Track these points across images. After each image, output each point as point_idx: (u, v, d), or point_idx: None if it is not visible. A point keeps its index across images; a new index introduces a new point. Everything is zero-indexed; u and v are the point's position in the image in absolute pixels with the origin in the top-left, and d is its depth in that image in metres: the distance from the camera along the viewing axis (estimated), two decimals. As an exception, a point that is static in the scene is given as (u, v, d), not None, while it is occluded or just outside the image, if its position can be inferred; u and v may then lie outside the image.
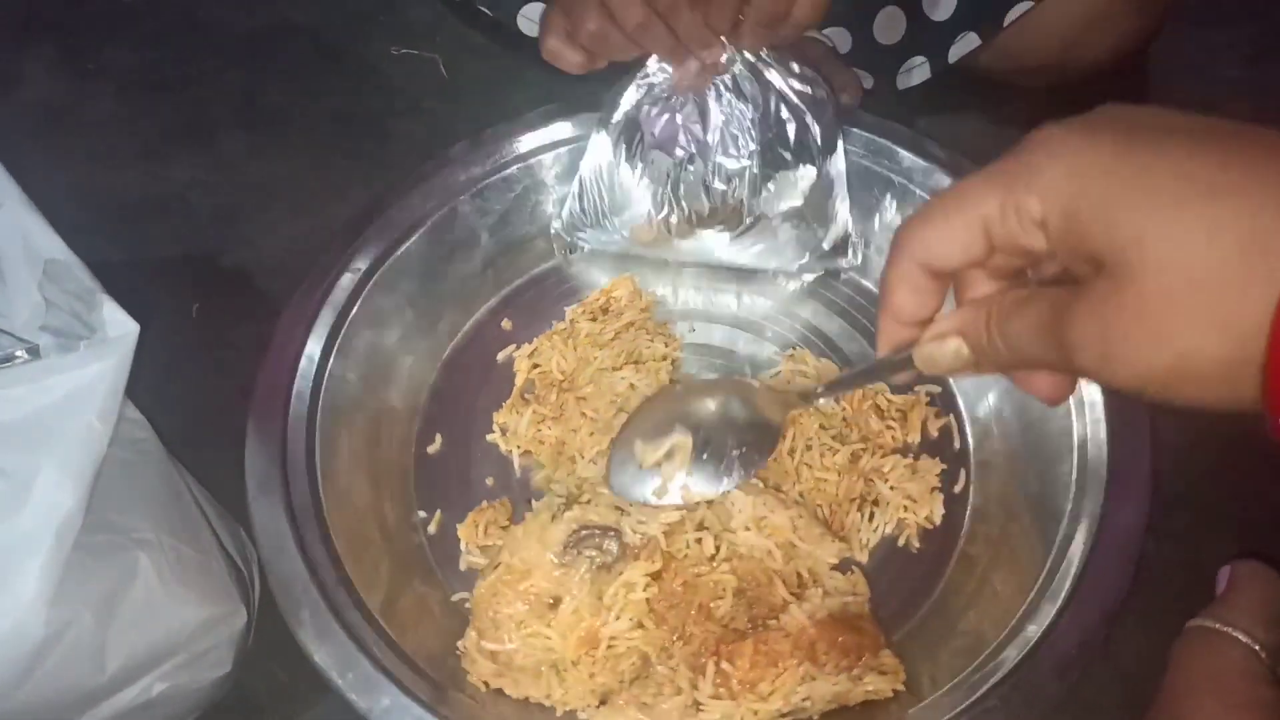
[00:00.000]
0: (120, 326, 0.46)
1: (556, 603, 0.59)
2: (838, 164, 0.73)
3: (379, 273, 0.73)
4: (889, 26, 0.83)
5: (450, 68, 0.98)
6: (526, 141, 0.78)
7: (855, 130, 0.75)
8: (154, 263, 0.86)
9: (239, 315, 0.81)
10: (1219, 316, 0.30)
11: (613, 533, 0.60)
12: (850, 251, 0.76)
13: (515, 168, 0.78)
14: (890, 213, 0.76)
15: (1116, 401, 0.63)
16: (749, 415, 0.60)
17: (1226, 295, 0.30)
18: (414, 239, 0.74)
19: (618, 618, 0.58)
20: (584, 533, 0.60)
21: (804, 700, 0.56)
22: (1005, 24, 0.78)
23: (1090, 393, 0.64)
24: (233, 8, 1.03)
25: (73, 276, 0.49)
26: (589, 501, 0.63)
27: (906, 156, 0.75)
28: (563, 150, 0.78)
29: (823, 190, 0.74)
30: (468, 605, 0.63)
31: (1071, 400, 0.64)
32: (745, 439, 0.60)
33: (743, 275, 0.78)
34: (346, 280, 0.71)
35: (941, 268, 0.39)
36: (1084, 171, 0.33)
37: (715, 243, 0.77)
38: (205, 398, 0.76)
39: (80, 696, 0.47)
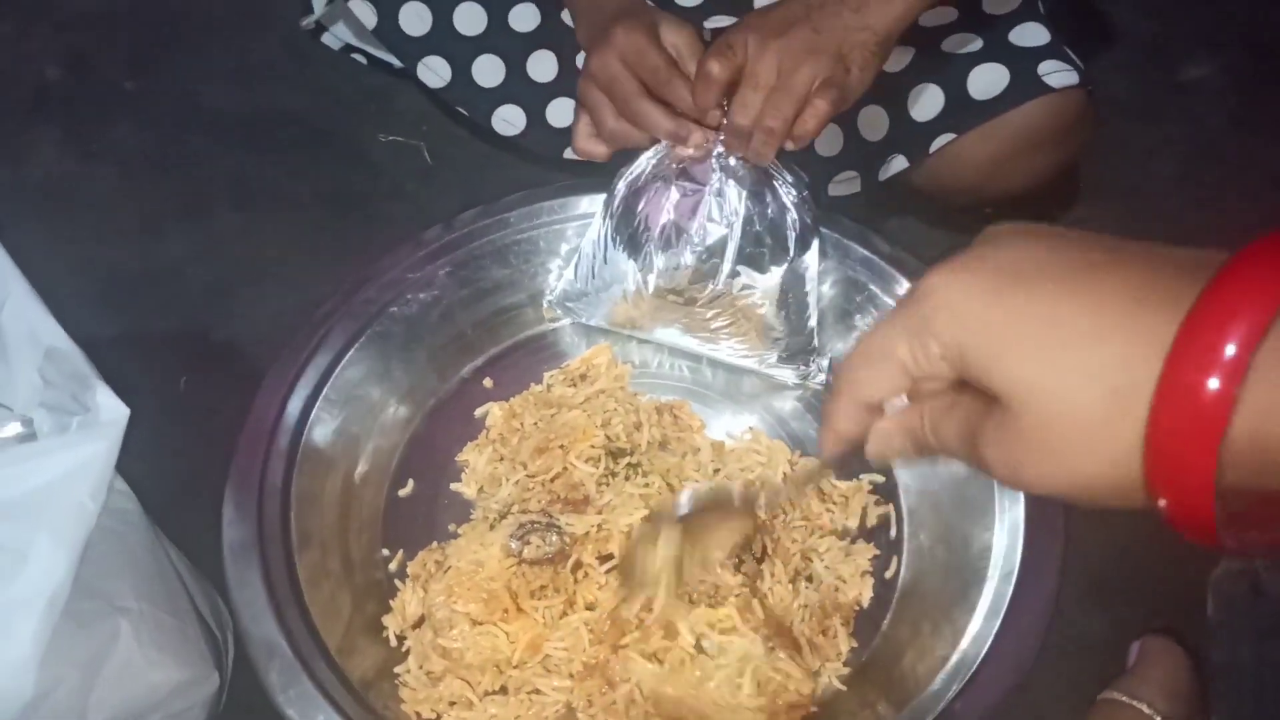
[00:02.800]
0: (112, 411, 0.51)
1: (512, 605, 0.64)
2: (811, 263, 0.77)
3: (359, 342, 0.78)
4: (829, 142, 0.88)
5: (433, 154, 1.04)
6: (515, 219, 0.84)
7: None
8: (146, 336, 0.91)
9: (226, 387, 0.85)
10: (1098, 449, 0.33)
11: (554, 526, 0.65)
12: (811, 365, 0.80)
13: (495, 245, 0.83)
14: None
15: (1034, 508, 0.68)
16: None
17: (1103, 432, 0.33)
18: (395, 308, 0.79)
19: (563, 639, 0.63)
20: (525, 527, 0.65)
21: (719, 643, 0.61)
22: (930, 151, 0.84)
23: (1011, 502, 0.69)
24: (231, 93, 1.09)
25: (70, 362, 0.53)
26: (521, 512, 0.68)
27: (854, 248, 0.81)
28: (542, 229, 0.84)
29: (793, 286, 0.77)
30: (408, 645, 0.67)
31: (995, 504, 0.69)
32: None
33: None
34: (325, 352, 0.76)
35: (875, 403, 0.44)
36: (964, 320, 0.36)
37: (686, 332, 0.81)
38: (191, 467, 0.80)
39: (60, 753, 0.51)
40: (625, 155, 0.76)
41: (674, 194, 0.75)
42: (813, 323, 0.78)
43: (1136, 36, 1.08)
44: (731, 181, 0.74)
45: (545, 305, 0.85)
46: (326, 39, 1.08)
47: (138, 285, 0.96)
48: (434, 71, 0.96)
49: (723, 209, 0.74)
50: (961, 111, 0.82)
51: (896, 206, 0.94)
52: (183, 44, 1.14)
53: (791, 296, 0.77)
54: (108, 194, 1.03)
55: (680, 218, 0.75)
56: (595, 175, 0.87)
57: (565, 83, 0.95)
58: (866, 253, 0.81)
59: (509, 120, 0.96)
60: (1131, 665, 0.63)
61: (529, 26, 0.95)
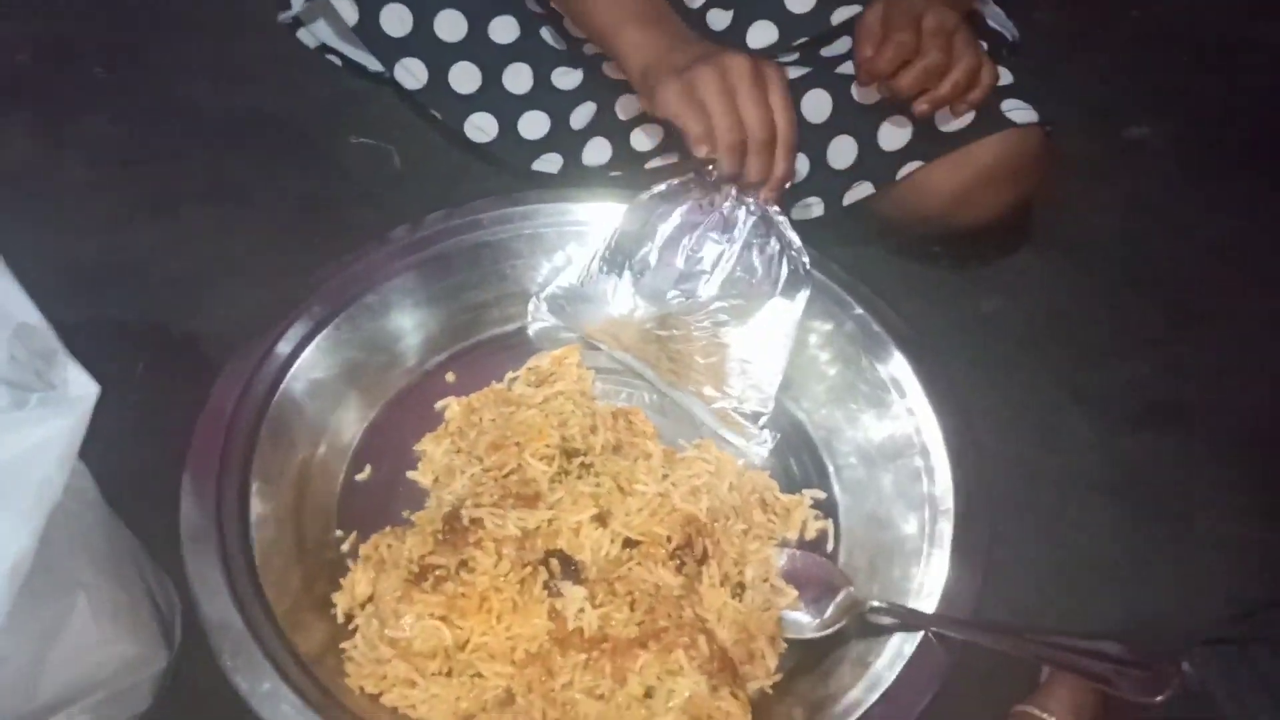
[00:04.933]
0: (82, 387, 0.52)
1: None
2: (793, 314, 0.79)
3: (323, 331, 0.80)
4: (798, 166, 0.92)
5: (404, 159, 1.06)
6: (486, 221, 0.87)
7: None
8: (107, 324, 0.91)
9: (186, 376, 0.86)
10: None
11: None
12: (760, 429, 0.82)
13: (464, 245, 0.86)
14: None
15: (960, 541, 0.72)
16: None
17: None
18: (360, 302, 0.82)
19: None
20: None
21: (667, 688, 0.64)
22: (897, 178, 0.88)
23: (941, 528, 0.73)
24: (205, 91, 1.10)
25: (40, 339, 0.55)
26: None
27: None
28: (512, 233, 0.87)
29: (770, 331, 0.80)
30: (356, 623, 0.69)
31: (926, 520, 0.74)
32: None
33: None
34: (288, 340, 0.78)
35: None
36: None
37: (652, 367, 0.85)
38: (146, 451, 0.80)
39: (8, 721, 0.52)
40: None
41: (683, 218, 0.80)
42: (775, 382, 0.80)
43: (1087, 98, 1.14)
44: (742, 209, 0.78)
45: (531, 302, 0.87)
46: (303, 35, 1.10)
47: (102, 276, 0.96)
48: (410, 73, 0.98)
49: (725, 230, 0.78)
50: (929, 142, 0.87)
51: (856, 236, 0.97)
52: (158, 38, 1.15)
53: (766, 340, 0.80)
54: (77, 184, 1.03)
55: (684, 235, 0.79)
56: (564, 188, 0.91)
57: (539, 97, 0.98)
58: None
59: (481, 128, 0.99)
60: (1042, 683, 0.67)
61: (508, 39, 0.98)
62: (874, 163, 0.89)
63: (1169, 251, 1.04)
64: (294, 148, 1.07)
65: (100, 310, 0.93)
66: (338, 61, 1.10)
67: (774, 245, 0.79)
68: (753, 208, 0.78)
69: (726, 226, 0.79)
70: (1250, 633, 0.55)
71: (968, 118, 0.85)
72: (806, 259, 0.79)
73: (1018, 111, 0.86)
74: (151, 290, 0.95)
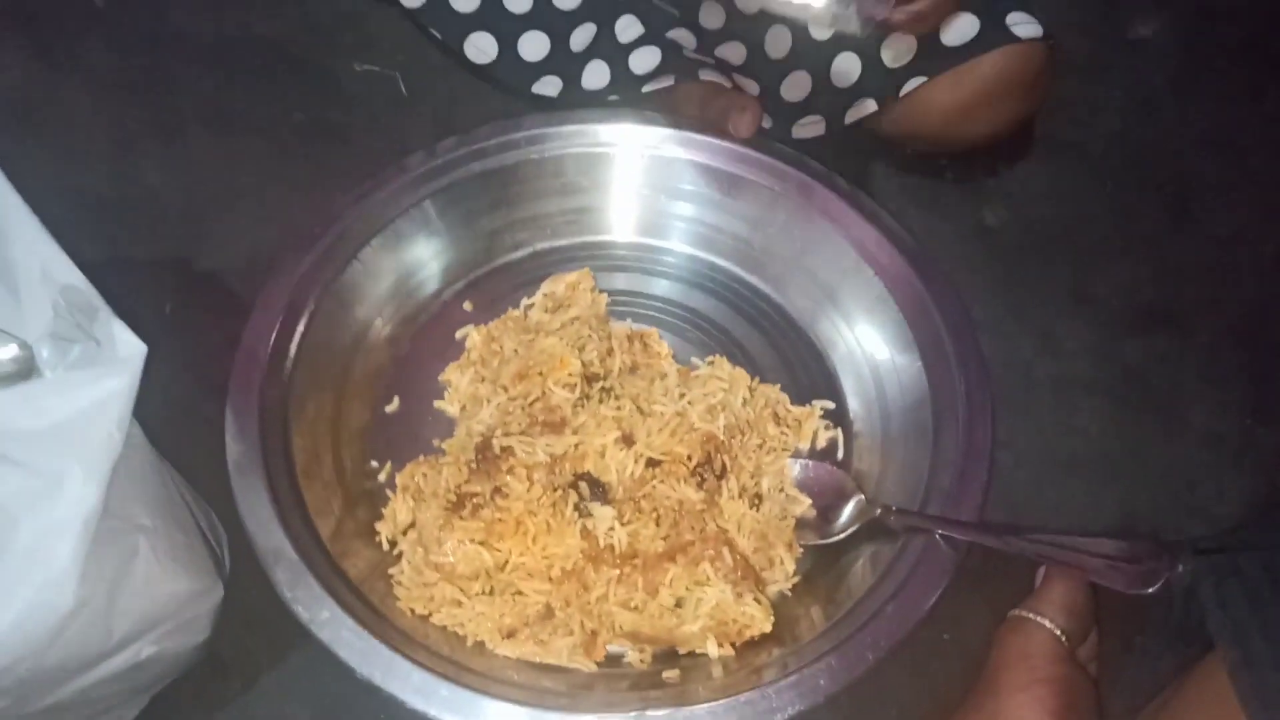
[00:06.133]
0: (129, 346, 0.54)
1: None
2: None
3: (347, 266, 0.82)
4: (796, 87, 0.92)
5: (409, 85, 1.05)
6: (491, 149, 0.88)
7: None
8: (127, 262, 0.93)
9: (211, 313, 0.89)
10: None
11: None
12: None
13: (474, 172, 0.87)
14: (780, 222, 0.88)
15: (966, 436, 0.75)
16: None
17: None
18: (380, 235, 0.84)
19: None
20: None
21: (695, 597, 0.69)
22: (900, 94, 0.88)
23: (945, 433, 0.76)
24: (202, 16, 1.09)
25: (85, 300, 0.57)
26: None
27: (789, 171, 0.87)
28: (520, 158, 0.88)
29: None
30: (399, 550, 0.73)
31: (930, 426, 0.77)
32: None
33: (685, 281, 0.91)
34: (312, 276, 0.80)
35: None
36: None
37: None
38: (182, 389, 0.82)
39: (90, 658, 0.56)
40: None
41: None
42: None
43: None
44: None
45: None
46: None
47: (114, 210, 0.97)
48: None
49: None
50: (932, 56, 0.87)
51: (858, 152, 0.98)
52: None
53: None
54: (78, 114, 1.03)
55: None
56: (567, 109, 0.91)
57: (539, 17, 0.98)
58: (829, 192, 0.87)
59: (481, 49, 0.99)
60: (1037, 587, 0.72)
61: None
62: (877, 79, 0.89)
63: (1168, 150, 1.05)
64: (295, 73, 1.06)
65: (117, 247, 0.94)
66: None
67: None
68: None
69: None
70: (1241, 541, 0.59)
71: (972, 30, 0.85)
72: None
73: (1022, 26, 0.86)
74: (165, 223, 0.96)
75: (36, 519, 0.49)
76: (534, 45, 0.98)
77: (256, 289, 0.79)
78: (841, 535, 0.75)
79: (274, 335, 0.76)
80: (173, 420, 0.79)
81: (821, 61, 0.90)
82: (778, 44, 0.92)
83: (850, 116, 0.91)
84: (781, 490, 0.78)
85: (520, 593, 0.70)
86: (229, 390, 0.73)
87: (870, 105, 0.90)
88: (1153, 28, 1.13)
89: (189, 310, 0.90)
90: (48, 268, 0.57)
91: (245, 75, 1.05)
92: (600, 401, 0.79)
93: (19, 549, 0.49)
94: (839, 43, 0.90)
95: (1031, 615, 0.69)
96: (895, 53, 0.88)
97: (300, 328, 0.78)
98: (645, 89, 0.93)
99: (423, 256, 0.87)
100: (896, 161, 1.00)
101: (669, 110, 0.92)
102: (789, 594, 0.74)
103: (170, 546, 0.61)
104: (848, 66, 0.90)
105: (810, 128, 0.94)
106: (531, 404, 0.77)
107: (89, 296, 0.57)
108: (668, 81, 0.93)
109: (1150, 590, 0.63)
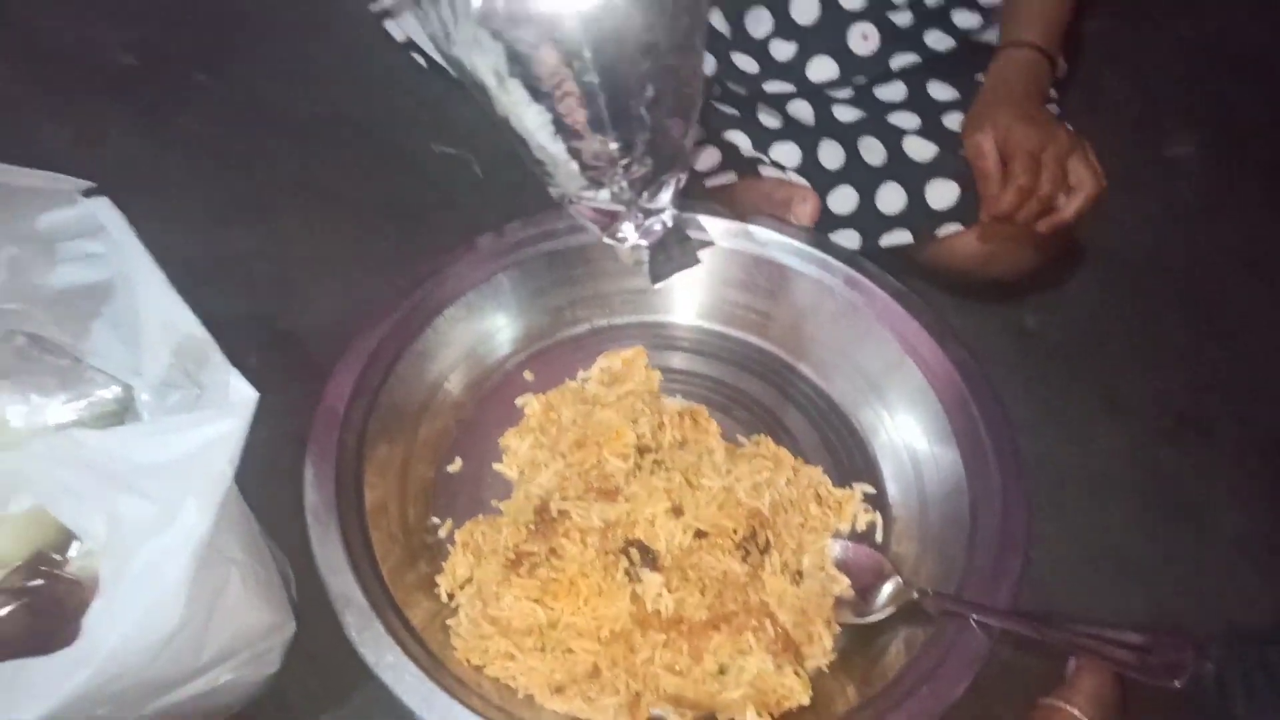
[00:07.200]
0: (241, 393, 0.60)
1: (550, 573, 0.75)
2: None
3: (421, 334, 0.88)
4: (843, 201, 0.99)
5: (483, 167, 1.13)
6: (560, 230, 0.94)
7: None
8: (215, 321, 0.98)
9: (291, 371, 0.94)
10: None
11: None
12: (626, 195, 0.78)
13: (541, 252, 0.94)
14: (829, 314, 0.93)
15: (1002, 528, 0.78)
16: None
17: None
18: (453, 306, 0.90)
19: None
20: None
21: (737, 665, 0.71)
22: (937, 234, 0.95)
23: (983, 524, 0.79)
24: (292, 95, 1.17)
25: (199, 349, 0.63)
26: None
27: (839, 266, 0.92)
28: (584, 240, 0.93)
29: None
30: (456, 602, 0.77)
31: (968, 516, 0.80)
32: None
33: (735, 363, 0.95)
34: (390, 341, 0.86)
35: None
36: None
37: None
38: (254, 440, 0.88)
39: (180, 676, 0.60)
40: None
41: None
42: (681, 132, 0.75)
43: (1126, 111, 1.19)
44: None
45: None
46: (390, 27, 1.16)
47: (206, 274, 1.01)
48: None
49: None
50: (971, 206, 0.93)
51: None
52: (248, 41, 1.22)
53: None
54: (176, 182, 1.11)
55: None
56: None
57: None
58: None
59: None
60: (1068, 677, 0.74)
61: None
62: (918, 216, 0.95)
63: (1201, 264, 1.10)
64: (378, 152, 1.14)
65: (208, 304, 0.99)
66: (422, 61, 1.17)
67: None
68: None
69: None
70: (1268, 635, 0.61)
71: None
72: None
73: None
74: (254, 288, 1.03)
75: (152, 544, 0.54)
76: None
77: (336, 351, 0.85)
78: (878, 615, 0.78)
79: (352, 393, 0.81)
80: (248, 466, 0.85)
81: (869, 184, 0.96)
82: (831, 157, 0.98)
83: (886, 241, 0.97)
84: (822, 569, 0.81)
85: (570, 650, 0.74)
86: (309, 442, 0.78)
87: (906, 236, 0.96)
88: (1187, 147, 1.19)
89: (270, 367, 0.95)
90: (169, 318, 0.63)
91: (332, 152, 1.13)
92: (652, 473, 0.83)
93: (136, 570, 0.54)
94: (888, 173, 0.96)
95: (1062, 704, 0.72)
96: (939, 196, 0.94)
97: (376, 388, 0.83)
98: (708, 183, 0.99)
99: (491, 327, 0.93)
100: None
101: (731, 202, 0.98)
102: (826, 670, 0.77)
103: (255, 580, 0.65)
104: (893, 196, 0.96)
105: (848, 239, 0.99)
106: (587, 471, 0.82)
107: (205, 346, 0.63)
108: (730, 178, 0.99)
109: (1177, 684, 0.65)
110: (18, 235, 0.71)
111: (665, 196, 0.78)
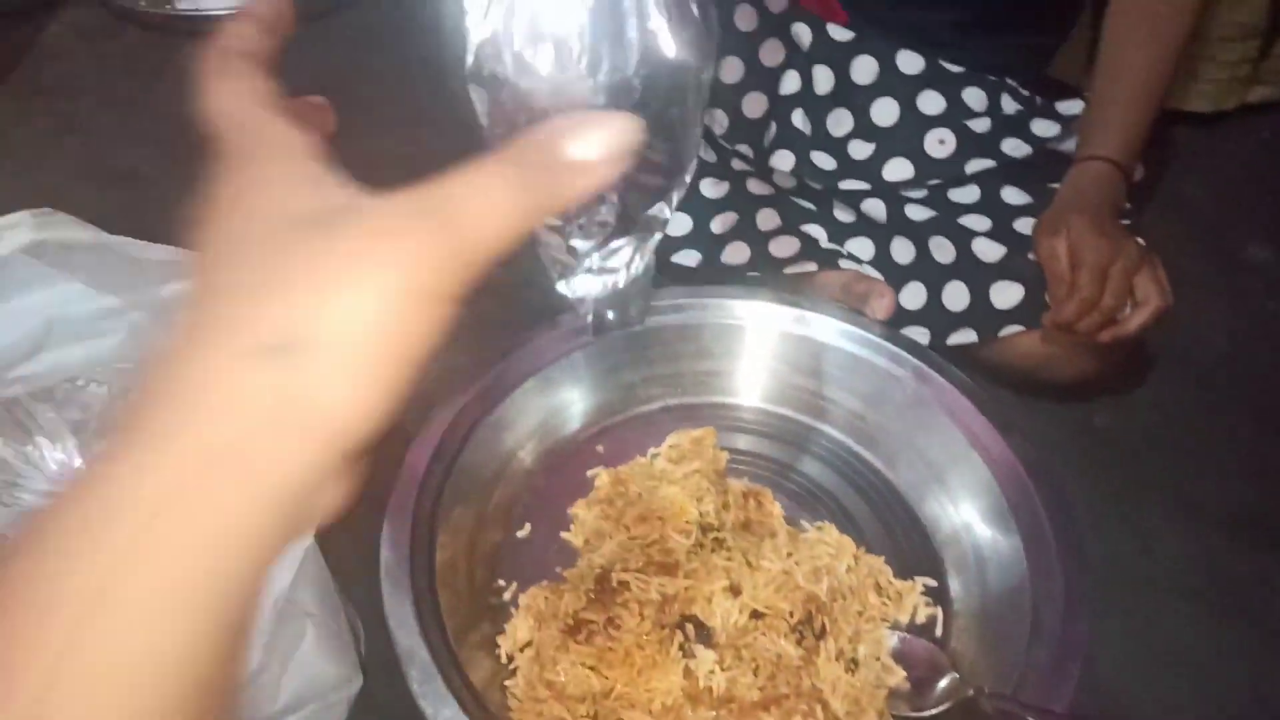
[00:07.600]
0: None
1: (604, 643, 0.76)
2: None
3: (499, 405, 0.92)
4: (913, 297, 1.01)
5: (565, 248, 1.17)
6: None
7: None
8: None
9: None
10: None
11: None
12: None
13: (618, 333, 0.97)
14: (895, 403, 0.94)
15: (1063, 628, 0.77)
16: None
17: None
18: (533, 378, 0.94)
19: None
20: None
21: None
22: (999, 335, 0.96)
23: (1045, 624, 0.79)
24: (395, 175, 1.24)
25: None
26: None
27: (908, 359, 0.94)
28: (661, 320, 0.98)
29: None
30: (515, 664, 0.79)
31: (1030, 615, 0.79)
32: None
33: (801, 448, 0.97)
34: (470, 410, 0.90)
35: None
36: None
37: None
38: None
39: (253, 721, 0.64)
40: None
41: None
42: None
43: (1202, 214, 1.20)
44: None
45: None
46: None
47: None
48: None
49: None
50: (1035, 308, 0.94)
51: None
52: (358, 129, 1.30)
53: None
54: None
55: None
56: (702, 285, 1.01)
57: (684, 203, 1.09)
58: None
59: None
60: None
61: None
62: (982, 315, 0.97)
63: (1274, 369, 1.09)
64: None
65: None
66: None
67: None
68: None
69: None
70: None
71: None
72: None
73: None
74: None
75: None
76: (676, 223, 1.09)
77: (419, 418, 0.89)
78: (933, 711, 0.78)
79: (431, 458, 0.85)
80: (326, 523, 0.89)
81: (937, 281, 0.99)
82: (903, 253, 1.01)
83: (952, 339, 0.99)
84: (878, 659, 0.82)
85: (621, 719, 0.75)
86: (389, 503, 0.82)
87: (971, 335, 0.98)
88: (1264, 251, 1.18)
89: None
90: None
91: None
92: (712, 551, 0.85)
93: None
94: (954, 272, 0.99)
95: None
96: (1003, 297, 0.96)
97: (455, 453, 0.87)
98: (786, 271, 1.03)
99: (566, 401, 0.97)
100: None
101: (808, 291, 1.01)
102: (877, 764, 0.77)
103: (328, 634, 0.69)
104: (958, 294, 0.98)
105: (918, 335, 1.01)
106: (649, 545, 0.84)
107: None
108: (810, 267, 1.02)
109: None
110: (143, 303, 0.78)
111: (621, 259, 0.80)
